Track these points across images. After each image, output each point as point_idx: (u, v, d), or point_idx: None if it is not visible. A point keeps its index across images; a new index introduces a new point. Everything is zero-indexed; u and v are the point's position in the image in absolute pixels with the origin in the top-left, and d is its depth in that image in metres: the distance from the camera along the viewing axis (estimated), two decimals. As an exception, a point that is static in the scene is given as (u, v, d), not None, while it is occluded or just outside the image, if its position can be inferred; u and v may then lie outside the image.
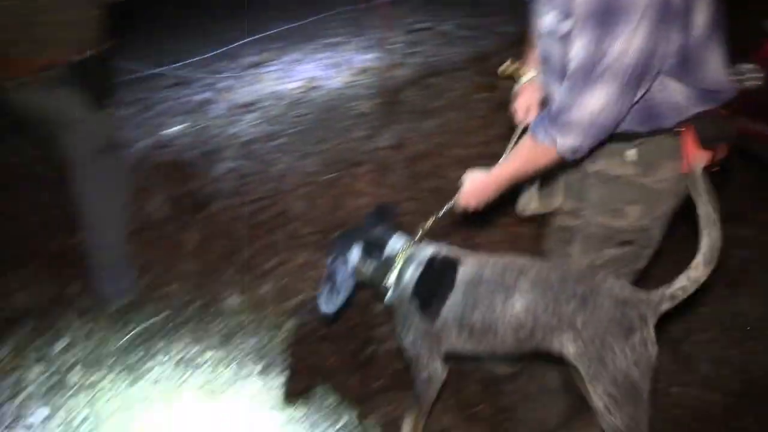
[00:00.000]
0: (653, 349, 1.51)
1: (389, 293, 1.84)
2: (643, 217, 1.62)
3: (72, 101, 2.32)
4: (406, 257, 1.81)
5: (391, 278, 1.82)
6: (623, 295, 1.52)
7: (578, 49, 1.38)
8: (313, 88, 4.36)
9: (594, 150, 1.52)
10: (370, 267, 1.85)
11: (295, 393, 2.24)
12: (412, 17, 4.98)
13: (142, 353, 2.49)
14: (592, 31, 1.34)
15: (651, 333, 1.50)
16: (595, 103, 1.38)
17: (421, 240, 1.87)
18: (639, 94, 1.42)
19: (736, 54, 2.77)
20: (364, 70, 4.46)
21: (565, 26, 1.41)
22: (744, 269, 2.51)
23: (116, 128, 2.57)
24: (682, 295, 1.49)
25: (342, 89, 4.27)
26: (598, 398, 1.54)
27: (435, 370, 1.84)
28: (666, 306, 1.51)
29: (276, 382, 2.29)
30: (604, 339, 1.51)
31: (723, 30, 1.47)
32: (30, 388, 2.34)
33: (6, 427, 2.21)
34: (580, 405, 1.83)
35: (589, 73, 1.37)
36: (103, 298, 2.70)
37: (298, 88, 4.41)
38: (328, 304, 1.85)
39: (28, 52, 2.26)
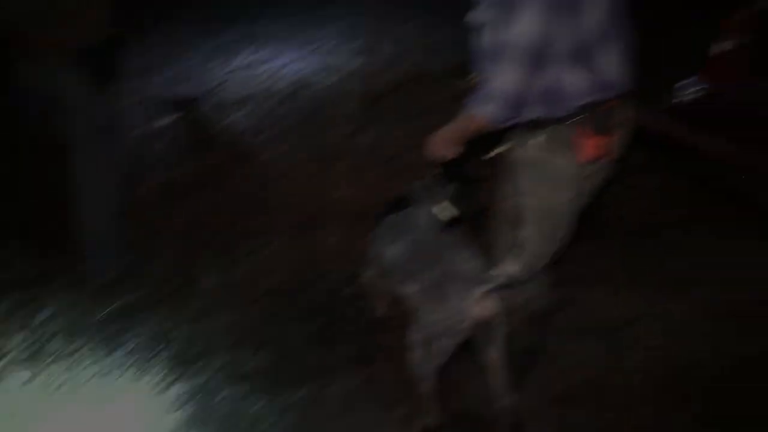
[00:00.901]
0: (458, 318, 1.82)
1: None
2: (548, 198, 1.83)
3: (77, 82, 2.45)
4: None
5: None
6: (462, 270, 1.87)
7: (490, 34, 1.67)
8: (303, 87, 4.53)
9: (513, 128, 1.82)
10: None
11: (259, 367, 2.40)
12: (400, 28, 5.21)
13: (120, 326, 2.63)
14: (498, 17, 1.62)
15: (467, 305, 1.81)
16: (503, 77, 1.63)
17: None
18: (540, 73, 1.65)
19: (684, 71, 3.01)
20: (351, 74, 4.65)
21: (485, 16, 1.70)
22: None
23: (115, 113, 2.73)
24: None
25: (329, 90, 4.45)
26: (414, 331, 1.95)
27: None
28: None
29: (243, 357, 2.44)
30: (427, 297, 1.89)
31: (624, 31, 1.72)
32: (12, 354, 2.49)
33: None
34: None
35: (497, 53, 1.63)
36: (88, 273, 2.85)
37: (288, 87, 4.58)
38: None
39: (42, 31, 2.39)
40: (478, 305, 1.81)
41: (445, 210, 2.22)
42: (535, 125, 1.79)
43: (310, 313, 2.63)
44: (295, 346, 2.48)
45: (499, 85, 1.65)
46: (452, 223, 2.13)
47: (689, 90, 2.88)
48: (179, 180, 3.54)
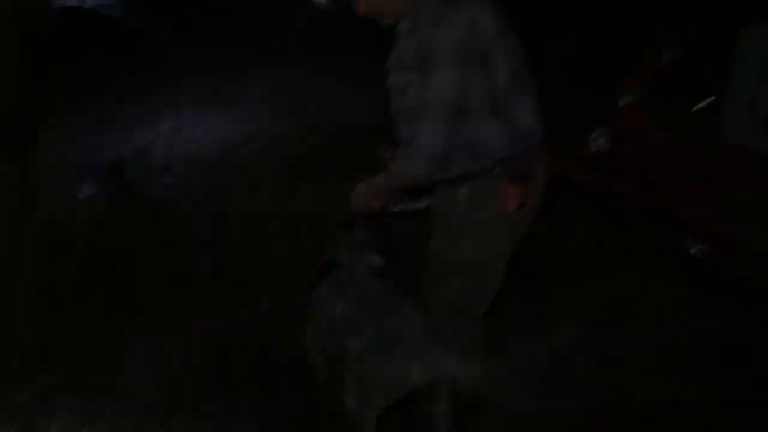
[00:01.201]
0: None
1: None
2: (476, 250, 1.90)
3: None
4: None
5: None
6: (407, 333, 1.88)
7: (410, 93, 1.72)
8: (228, 151, 4.55)
9: (438, 184, 1.87)
10: None
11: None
12: (323, 90, 5.36)
13: (43, 408, 2.49)
14: (416, 77, 1.68)
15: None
16: (426, 134, 1.69)
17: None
18: (461, 128, 1.72)
19: (594, 121, 3.22)
20: (277, 136, 4.70)
21: (401, 79, 1.76)
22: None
23: (31, 188, 2.64)
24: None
25: (255, 154, 4.48)
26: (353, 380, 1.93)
27: None
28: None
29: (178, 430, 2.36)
30: (370, 354, 1.88)
31: (531, 85, 1.82)
32: None
33: None
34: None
35: (418, 111, 1.69)
36: (5, 353, 2.69)
37: (214, 151, 4.58)
38: None
39: None
40: (422, 373, 1.81)
41: (373, 261, 2.27)
42: (458, 179, 1.86)
43: (246, 383, 2.56)
44: (232, 418, 2.41)
45: (422, 143, 1.71)
46: (381, 272, 2.17)
47: (600, 140, 3.10)
48: (103, 250, 3.44)
